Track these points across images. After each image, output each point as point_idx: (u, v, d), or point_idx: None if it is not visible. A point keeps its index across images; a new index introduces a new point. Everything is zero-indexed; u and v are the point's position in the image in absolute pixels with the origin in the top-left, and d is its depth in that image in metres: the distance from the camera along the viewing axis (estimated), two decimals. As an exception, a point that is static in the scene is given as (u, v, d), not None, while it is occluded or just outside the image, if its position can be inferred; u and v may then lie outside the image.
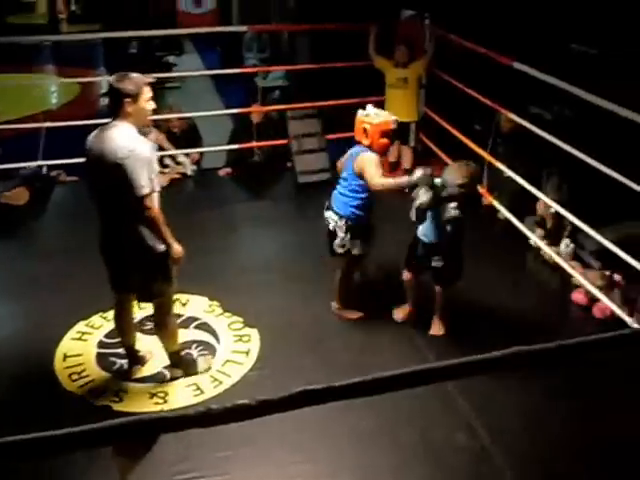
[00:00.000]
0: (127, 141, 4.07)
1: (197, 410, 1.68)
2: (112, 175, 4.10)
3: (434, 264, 5.08)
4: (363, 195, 5.06)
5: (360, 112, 5.22)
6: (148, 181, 4.05)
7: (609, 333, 2.25)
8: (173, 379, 4.81)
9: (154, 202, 4.18)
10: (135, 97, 4.13)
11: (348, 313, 5.47)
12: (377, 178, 4.89)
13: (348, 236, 5.09)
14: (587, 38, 6.99)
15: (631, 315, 5.23)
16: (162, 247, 4.30)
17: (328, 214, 5.24)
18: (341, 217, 5.10)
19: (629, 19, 6.57)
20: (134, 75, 4.20)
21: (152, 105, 4.28)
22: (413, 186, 4.80)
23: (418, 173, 4.80)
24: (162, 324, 4.69)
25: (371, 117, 5.12)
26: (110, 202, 4.30)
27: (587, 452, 4.22)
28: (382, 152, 5.17)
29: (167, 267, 4.40)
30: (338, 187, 5.22)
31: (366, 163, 4.93)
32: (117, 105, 4.17)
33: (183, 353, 4.91)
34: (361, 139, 5.12)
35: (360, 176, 4.99)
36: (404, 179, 5.05)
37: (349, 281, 5.46)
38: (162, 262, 4.36)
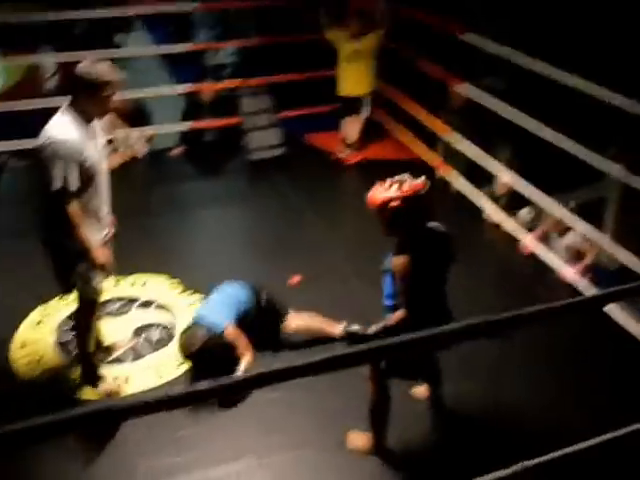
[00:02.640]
0: (54, 130, 3.87)
1: (157, 396, 1.67)
2: (37, 161, 3.97)
3: None
4: None
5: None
6: (61, 177, 3.83)
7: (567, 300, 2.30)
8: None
9: (69, 200, 3.91)
10: (94, 89, 3.91)
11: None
12: None
13: None
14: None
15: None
16: (76, 246, 4.06)
17: None
18: None
19: None
20: (102, 66, 4.03)
21: (113, 103, 4.12)
22: None
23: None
24: (77, 322, 4.52)
25: None
26: (37, 189, 4.11)
27: (552, 415, 4.33)
28: None
29: (82, 267, 4.12)
30: None
31: None
32: (72, 91, 3.99)
33: (94, 362, 4.63)
34: None
35: None
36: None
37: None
38: (76, 261, 4.11)
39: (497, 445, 4.03)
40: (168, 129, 8.34)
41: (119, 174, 7.96)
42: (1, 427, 1.62)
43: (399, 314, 3.56)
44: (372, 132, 8.42)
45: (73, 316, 4.57)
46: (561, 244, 5.80)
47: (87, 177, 3.97)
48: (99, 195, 4.14)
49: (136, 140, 8.15)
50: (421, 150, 7.69)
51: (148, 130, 8.23)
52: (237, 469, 3.98)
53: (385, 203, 3.49)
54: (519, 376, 4.63)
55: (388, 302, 3.68)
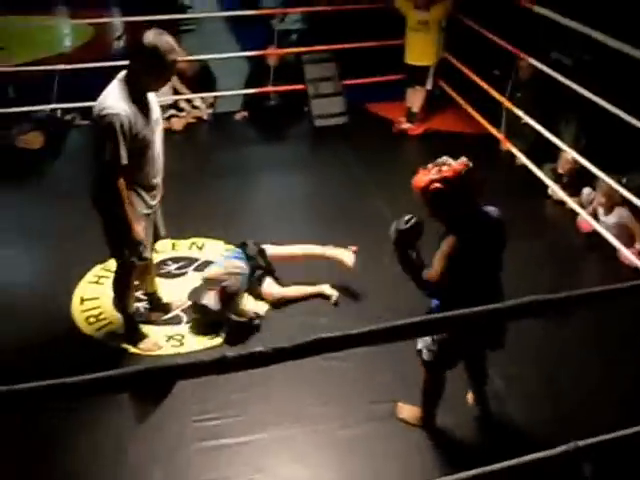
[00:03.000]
0: (109, 101, 3.85)
1: (213, 357, 1.69)
2: (92, 129, 3.99)
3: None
4: None
5: None
6: (112, 150, 3.83)
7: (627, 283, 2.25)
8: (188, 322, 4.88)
9: (117, 173, 3.93)
10: (156, 62, 3.85)
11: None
12: None
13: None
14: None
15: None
16: (119, 218, 4.08)
17: None
18: None
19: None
20: (169, 39, 3.95)
21: (165, 87, 4.06)
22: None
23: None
24: (114, 285, 4.58)
25: None
26: (91, 155, 4.16)
27: (600, 398, 4.27)
28: None
29: (125, 234, 4.14)
30: None
31: None
32: (134, 59, 3.94)
33: (136, 321, 4.73)
34: None
35: None
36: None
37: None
38: (119, 228, 4.14)
39: (542, 429, 3.99)
40: (233, 93, 8.37)
41: (183, 136, 8.11)
42: (60, 379, 1.66)
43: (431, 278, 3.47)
44: (436, 103, 8.32)
45: (113, 277, 4.63)
46: (608, 222, 5.69)
47: (139, 150, 3.99)
48: (151, 166, 4.15)
49: (201, 103, 8.21)
50: (485, 123, 7.58)
51: (213, 93, 8.27)
52: (282, 435, 4.02)
53: (426, 186, 3.44)
54: (567, 361, 4.59)
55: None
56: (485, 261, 3.54)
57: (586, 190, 6.10)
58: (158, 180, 4.27)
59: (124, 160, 3.88)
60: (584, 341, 4.76)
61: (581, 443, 2.34)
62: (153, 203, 4.28)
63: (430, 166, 3.49)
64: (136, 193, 4.12)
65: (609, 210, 5.69)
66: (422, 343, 3.72)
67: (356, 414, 4.16)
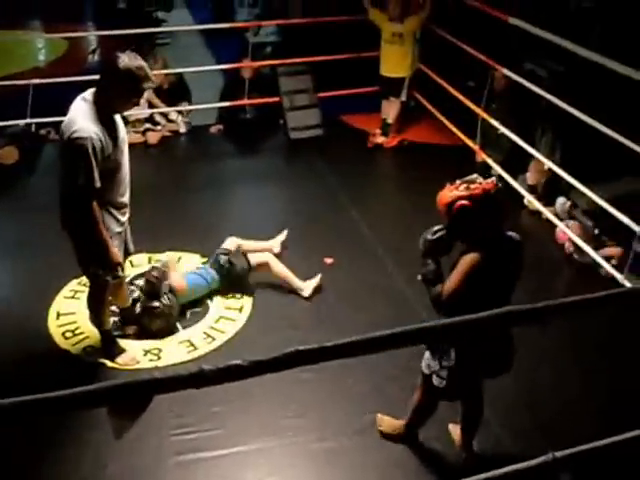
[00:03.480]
0: (78, 123, 3.82)
1: (190, 371, 1.68)
2: (62, 151, 4.02)
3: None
4: None
5: None
6: (85, 174, 3.81)
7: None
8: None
9: (91, 196, 3.92)
10: (128, 84, 3.84)
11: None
12: None
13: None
14: None
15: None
16: (92, 244, 4.09)
17: None
18: None
19: None
20: (142, 63, 3.94)
21: (135, 108, 4.14)
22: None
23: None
24: (89, 302, 4.59)
25: None
26: (61, 178, 4.13)
27: (578, 408, 4.30)
28: None
29: (101, 256, 4.13)
30: None
31: None
32: (107, 81, 3.91)
33: (112, 335, 4.73)
34: None
35: None
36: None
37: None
38: (94, 250, 4.13)
39: (521, 440, 4.02)
40: (208, 106, 8.36)
41: (159, 150, 8.10)
42: (36, 395, 1.65)
43: (443, 292, 3.39)
44: (411, 115, 8.37)
45: (87, 294, 4.61)
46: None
47: (109, 171, 3.98)
48: (121, 185, 4.15)
49: (176, 117, 8.20)
50: (460, 134, 7.63)
51: (188, 107, 8.26)
52: (260, 447, 4.01)
53: (452, 202, 3.33)
54: (544, 371, 4.61)
55: None
56: (502, 284, 3.45)
57: (560, 200, 6.15)
58: (127, 198, 4.26)
59: (97, 183, 3.86)
60: (561, 351, 4.79)
61: (559, 454, 2.34)
62: (124, 220, 4.28)
63: (458, 182, 3.39)
64: (108, 213, 4.12)
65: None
66: (428, 368, 3.62)
67: (334, 426, 4.16)
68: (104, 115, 3.92)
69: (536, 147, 6.41)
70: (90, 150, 3.78)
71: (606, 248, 5.63)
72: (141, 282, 5.11)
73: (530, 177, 6.50)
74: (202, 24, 11.24)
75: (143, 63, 3.92)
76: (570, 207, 6.08)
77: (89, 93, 3.95)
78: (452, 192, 3.36)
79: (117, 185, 4.11)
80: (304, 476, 3.90)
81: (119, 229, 4.22)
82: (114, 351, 4.64)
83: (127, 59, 3.86)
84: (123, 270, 4.47)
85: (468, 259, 3.32)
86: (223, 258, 5.28)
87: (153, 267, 5.07)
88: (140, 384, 1.74)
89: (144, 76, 3.88)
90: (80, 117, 3.86)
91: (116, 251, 4.14)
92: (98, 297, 4.49)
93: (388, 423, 4.10)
